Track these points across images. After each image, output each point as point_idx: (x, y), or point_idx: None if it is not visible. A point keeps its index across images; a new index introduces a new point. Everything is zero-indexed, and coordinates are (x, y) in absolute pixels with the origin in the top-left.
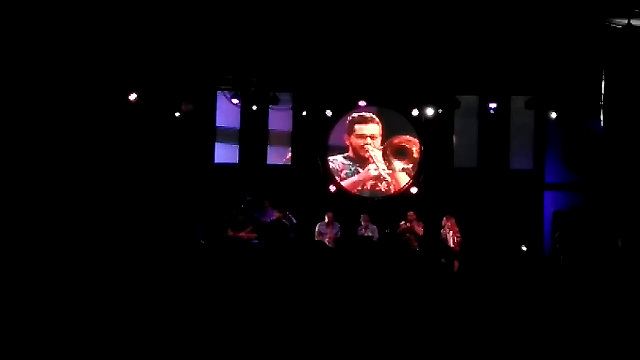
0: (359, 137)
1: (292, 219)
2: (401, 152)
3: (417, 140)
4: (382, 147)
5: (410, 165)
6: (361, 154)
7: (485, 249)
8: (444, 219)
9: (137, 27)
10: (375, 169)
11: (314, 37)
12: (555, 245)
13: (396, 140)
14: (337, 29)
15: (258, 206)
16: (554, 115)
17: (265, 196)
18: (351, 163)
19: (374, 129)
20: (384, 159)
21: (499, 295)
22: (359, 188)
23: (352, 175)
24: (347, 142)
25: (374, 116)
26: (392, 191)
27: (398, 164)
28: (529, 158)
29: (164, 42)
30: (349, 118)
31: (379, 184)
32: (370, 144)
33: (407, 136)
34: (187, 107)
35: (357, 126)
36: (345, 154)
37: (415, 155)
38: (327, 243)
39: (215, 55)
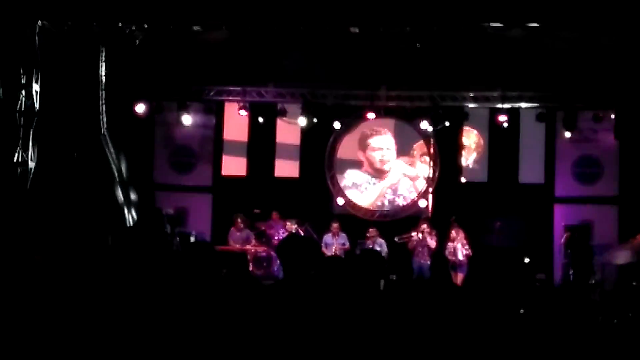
0: (375, 150)
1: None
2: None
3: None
4: (411, 154)
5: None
6: (378, 167)
7: (494, 264)
8: (454, 230)
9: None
10: (394, 179)
11: (322, 48)
12: (565, 260)
13: (423, 145)
14: (345, 41)
15: (265, 218)
16: (568, 134)
17: (273, 208)
18: (369, 177)
19: (389, 140)
20: (412, 165)
21: (505, 310)
22: (379, 203)
23: (371, 188)
24: (362, 158)
25: (386, 129)
26: (410, 201)
27: (425, 169)
28: (539, 172)
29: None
30: (360, 134)
31: (397, 199)
32: (386, 155)
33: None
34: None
35: (370, 140)
36: (362, 169)
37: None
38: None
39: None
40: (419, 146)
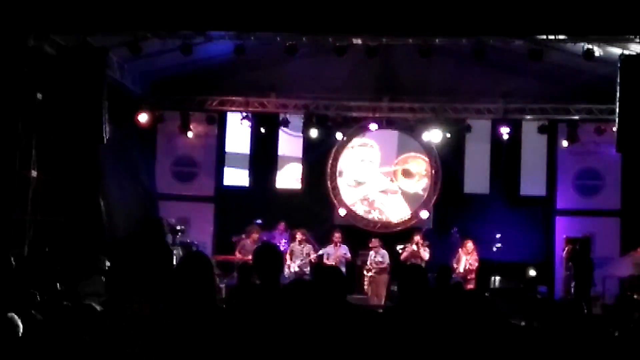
0: (357, 162)
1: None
2: (408, 173)
3: (427, 160)
4: (391, 170)
5: (425, 183)
6: (356, 178)
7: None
8: (464, 242)
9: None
10: (368, 191)
11: (325, 59)
12: (567, 272)
13: (404, 161)
14: (348, 52)
15: (268, 228)
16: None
17: (275, 218)
18: (345, 185)
19: (373, 154)
20: (393, 181)
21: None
22: (353, 209)
23: (345, 194)
24: (342, 167)
25: (373, 142)
26: (385, 219)
27: (409, 184)
28: (540, 184)
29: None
30: (349, 145)
31: (372, 212)
32: (366, 168)
33: (415, 155)
34: None
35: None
36: (341, 177)
37: (424, 173)
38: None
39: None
40: (402, 160)
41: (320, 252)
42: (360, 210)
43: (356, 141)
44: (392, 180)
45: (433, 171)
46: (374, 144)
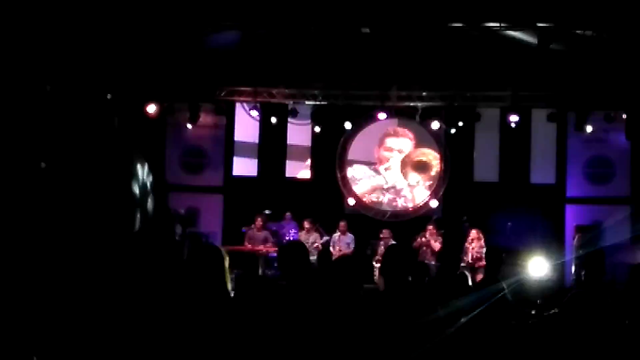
0: (387, 150)
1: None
2: (421, 167)
3: (438, 154)
4: (401, 160)
5: (429, 183)
6: (386, 166)
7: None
8: (472, 231)
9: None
10: (393, 179)
11: (333, 48)
12: (577, 261)
13: (416, 153)
14: (356, 41)
15: (277, 218)
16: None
17: (284, 209)
18: (373, 174)
19: (404, 143)
20: (402, 172)
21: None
22: (374, 197)
23: (365, 180)
24: (377, 155)
25: (407, 131)
26: (410, 207)
27: (415, 178)
28: (550, 172)
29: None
30: (385, 130)
31: (398, 199)
32: (394, 157)
33: (428, 149)
34: None
35: (387, 139)
36: (372, 166)
37: (436, 171)
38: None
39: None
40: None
41: (325, 238)
42: (385, 198)
43: (390, 129)
44: (402, 169)
45: (442, 160)
46: (407, 132)
